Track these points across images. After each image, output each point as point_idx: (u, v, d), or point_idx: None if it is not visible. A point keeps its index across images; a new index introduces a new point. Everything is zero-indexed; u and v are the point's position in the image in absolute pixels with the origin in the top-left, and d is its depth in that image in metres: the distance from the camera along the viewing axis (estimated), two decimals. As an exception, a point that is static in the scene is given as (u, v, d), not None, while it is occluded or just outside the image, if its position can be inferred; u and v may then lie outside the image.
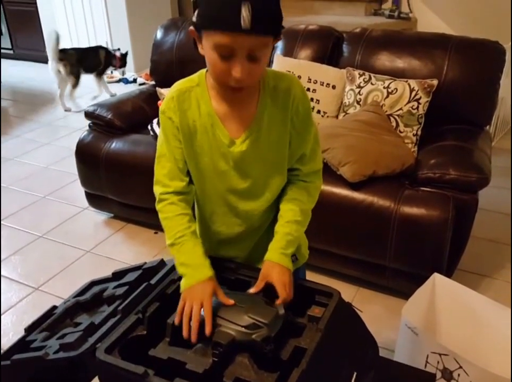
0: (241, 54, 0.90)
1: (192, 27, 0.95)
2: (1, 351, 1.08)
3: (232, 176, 1.07)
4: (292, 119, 1.05)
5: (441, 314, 1.64)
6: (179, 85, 1.06)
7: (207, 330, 0.90)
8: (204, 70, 1.05)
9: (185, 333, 0.91)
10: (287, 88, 1.03)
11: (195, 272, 0.99)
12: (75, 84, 4.23)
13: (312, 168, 1.13)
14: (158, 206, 1.07)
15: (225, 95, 1.01)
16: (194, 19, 0.93)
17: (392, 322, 1.84)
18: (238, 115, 1.03)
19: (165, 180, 1.06)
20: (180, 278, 1.03)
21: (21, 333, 1.12)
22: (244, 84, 0.95)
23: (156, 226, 2.59)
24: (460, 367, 1.36)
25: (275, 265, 1.03)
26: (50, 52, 4.09)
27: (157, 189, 1.07)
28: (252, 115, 1.03)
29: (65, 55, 4.13)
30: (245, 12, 0.84)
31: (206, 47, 0.93)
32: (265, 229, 1.16)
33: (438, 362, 1.41)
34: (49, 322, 1.11)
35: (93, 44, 5.24)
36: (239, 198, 1.10)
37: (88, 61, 4.31)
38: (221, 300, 0.96)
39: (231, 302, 0.96)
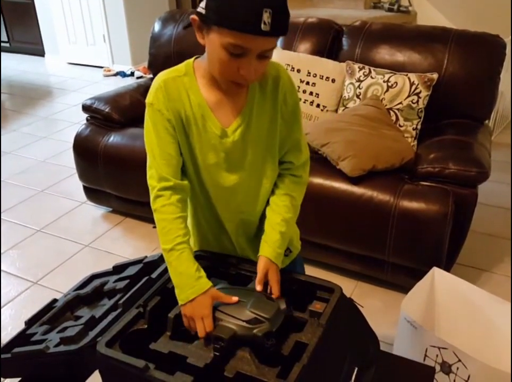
0: (253, 54, 0.89)
1: (196, 16, 0.92)
2: (1, 344, 1.07)
3: (223, 169, 1.04)
4: (282, 107, 1.04)
5: (440, 308, 1.65)
6: (164, 75, 1.01)
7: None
8: (191, 60, 1.02)
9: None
10: (275, 76, 1.03)
11: (195, 284, 0.95)
12: None
13: (304, 158, 1.12)
14: (154, 205, 1.00)
15: (218, 84, 0.98)
16: (203, 10, 0.89)
17: (391, 316, 1.84)
18: (229, 104, 1.01)
19: (158, 175, 0.99)
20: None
21: (20, 327, 1.12)
22: (251, 81, 0.95)
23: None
24: (459, 360, 1.36)
25: (272, 263, 1.04)
26: None
27: (152, 184, 1.00)
28: (242, 103, 1.01)
29: None
30: (266, 18, 0.83)
31: (214, 43, 0.90)
32: (258, 220, 1.15)
33: (437, 356, 1.41)
34: (50, 315, 1.11)
35: (89, 37, 5.22)
36: (233, 190, 1.07)
37: None
38: (225, 301, 0.95)
39: (235, 299, 0.95)
